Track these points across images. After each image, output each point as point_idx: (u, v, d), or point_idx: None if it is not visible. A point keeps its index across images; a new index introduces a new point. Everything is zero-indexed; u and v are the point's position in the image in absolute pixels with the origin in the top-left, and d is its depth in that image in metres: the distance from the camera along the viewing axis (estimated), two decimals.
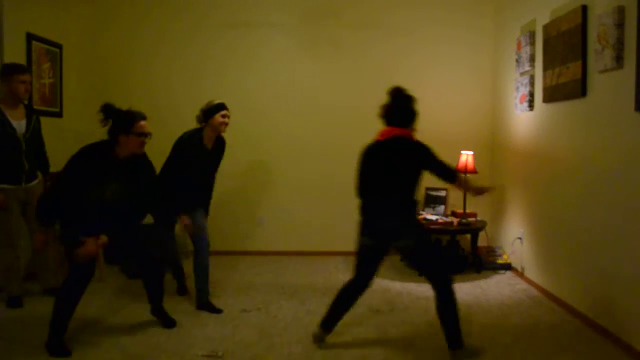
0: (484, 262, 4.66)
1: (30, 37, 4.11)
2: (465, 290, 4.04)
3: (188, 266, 3.93)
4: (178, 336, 3.07)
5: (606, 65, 3.01)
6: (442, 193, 4.99)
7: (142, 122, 2.89)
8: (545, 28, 3.82)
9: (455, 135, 5.07)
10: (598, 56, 3.10)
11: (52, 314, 2.86)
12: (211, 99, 3.55)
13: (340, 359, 2.80)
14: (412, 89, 5.05)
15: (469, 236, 4.77)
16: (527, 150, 4.23)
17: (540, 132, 4.01)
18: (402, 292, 3.99)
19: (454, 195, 5.00)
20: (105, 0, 5.10)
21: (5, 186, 3.42)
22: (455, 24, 5.12)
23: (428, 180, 5.04)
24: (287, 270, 4.64)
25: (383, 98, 4.87)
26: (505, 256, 4.65)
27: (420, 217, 4.75)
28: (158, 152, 3.41)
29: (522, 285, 4.16)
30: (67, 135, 4.54)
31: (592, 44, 3.21)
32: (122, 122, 2.84)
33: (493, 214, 5.02)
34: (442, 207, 4.95)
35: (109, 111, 2.85)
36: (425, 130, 5.11)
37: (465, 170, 4.63)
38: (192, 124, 3.57)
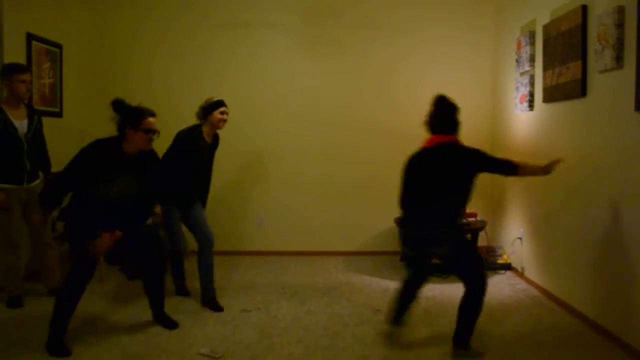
0: (484, 262, 4.66)
1: (30, 37, 4.11)
2: None
3: (189, 266, 3.94)
4: (178, 336, 3.07)
5: (606, 65, 3.01)
6: None
7: (151, 119, 2.90)
8: (545, 28, 3.82)
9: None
10: (598, 56, 3.10)
11: (52, 313, 2.86)
12: (210, 96, 3.62)
13: (340, 359, 2.80)
14: (412, 89, 5.15)
15: (469, 236, 4.77)
16: (527, 150, 4.23)
17: (540, 132, 4.01)
18: None
19: None
20: (105, 0, 5.11)
21: (7, 186, 3.42)
22: (455, 24, 5.12)
23: None
24: (287, 270, 4.64)
25: (383, 98, 4.95)
26: (505, 256, 4.65)
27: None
28: (158, 151, 3.40)
29: (522, 285, 4.16)
30: (67, 135, 4.54)
31: (592, 44, 3.21)
32: (131, 117, 2.86)
33: (493, 214, 5.02)
34: None
35: (118, 106, 2.88)
36: (426, 130, 5.16)
37: None
38: (192, 124, 3.60)
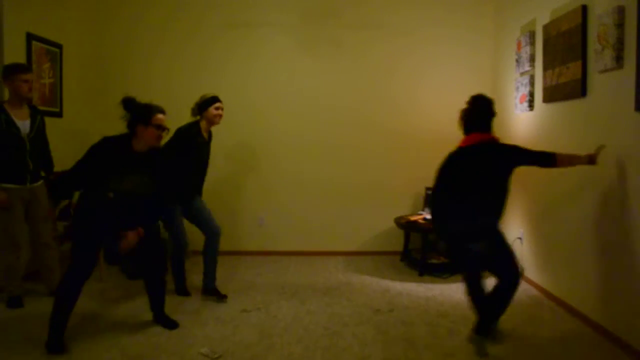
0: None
1: (30, 37, 4.11)
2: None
3: (189, 266, 3.94)
4: (178, 336, 3.07)
5: (606, 65, 3.01)
6: None
7: (161, 115, 2.96)
8: (545, 28, 3.82)
9: (455, 135, 5.00)
10: (598, 56, 3.10)
11: (51, 312, 2.87)
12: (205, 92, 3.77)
13: (340, 359, 2.80)
14: (412, 89, 5.15)
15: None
16: None
17: (540, 132, 4.01)
18: (402, 292, 4.00)
19: None
20: (105, 0, 5.11)
21: (10, 186, 3.42)
22: (455, 24, 5.12)
23: (428, 180, 5.09)
24: (288, 270, 4.64)
25: (383, 98, 4.92)
26: None
27: (420, 217, 4.76)
28: None
29: (521, 285, 4.15)
30: (67, 135, 4.55)
31: (592, 44, 3.21)
32: (142, 114, 2.91)
33: None
34: None
35: (129, 104, 2.93)
36: (426, 130, 5.18)
37: None
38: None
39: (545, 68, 3.84)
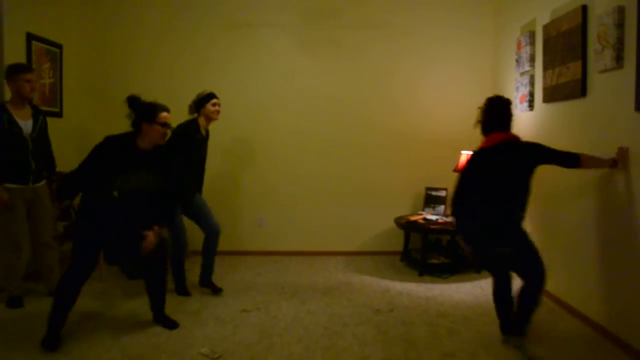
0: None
1: (30, 37, 4.11)
2: (465, 290, 4.05)
3: (189, 266, 3.94)
4: (178, 336, 3.07)
5: (606, 65, 3.01)
6: (442, 193, 4.99)
7: (165, 114, 3.00)
8: (545, 28, 3.82)
9: (455, 135, 5.07)
10: (598, 56, 3.10)
11: (50, 311, 2.89)
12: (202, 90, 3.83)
13: (340, 359, 2.80)
14: (412, 89, 5.14)
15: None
16: None
17: (540, 132, 4.01)
18: (402, 292, 4.00)
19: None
20: (106, 0, 5.11)
21: (13, 186, 3.43)
22: (455, 24, 5.12)
23: (428, 180, 5.09)
24: (288, 270, 4.64)
25: (383, 98, 4.91)
26: None
27: (420, 216, 4.76)
28: None
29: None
30: (67, 135, 4.55)
31: (592, 44, 3.21)
32: (146, 111, 2.94)
33: None
34: (442, 207, 4.95)
35: (133, 102, 2.96)
36: (426, 130, 5.18)
37: None
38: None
39: (545, 68, 3.84)
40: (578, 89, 3.35)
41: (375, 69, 5.14)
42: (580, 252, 3.39)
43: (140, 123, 2.94)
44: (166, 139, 3.09)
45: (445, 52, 5.14)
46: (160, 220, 3.06)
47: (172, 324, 3.20)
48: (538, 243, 4.03)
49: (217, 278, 4.19)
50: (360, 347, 2.95)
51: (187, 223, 3.81)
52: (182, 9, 5.11)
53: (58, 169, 3.82)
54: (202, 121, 3.75)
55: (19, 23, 4.00)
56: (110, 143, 2.91)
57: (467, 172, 3.00)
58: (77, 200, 3.25)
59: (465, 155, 4.71)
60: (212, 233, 3.79)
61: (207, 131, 3.89)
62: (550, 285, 3.81)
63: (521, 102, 4.27)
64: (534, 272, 2.81)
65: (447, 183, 5.00)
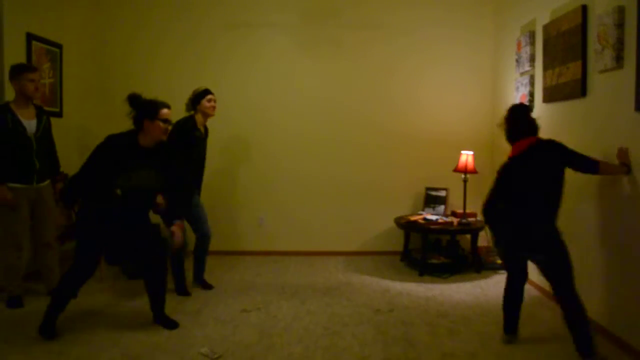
0: (484, 262, 4.66)
1: (30, 37, 4.11)
2: (465, 290, 4.05)
3: (189, 266, 3.94)
4: (178, 336, 3.07)
5: (606, 65, 3.01)
6: (442, 193, 4.99)
7: (166, 110, 3.03)
8: (545, 28, 3.82)
9: (455, 135, 5.07)
10: (598, 56, 3.10)
11: (48, 305, 2.95)
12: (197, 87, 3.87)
13: (340, 359, 2.80)
14: (412, 89, 5.15)
15: (469, 236, 4.78)
16: None
17: (540, 133, 4.00)
18: (402, 292, 4.00)
19: (454, 195, 5.01)
20: (106, 0, 5.11)
21: (17, 185, 3.42)
22: (455, 24, 5.12)
23: (428, 180, 5.09)
24: (287, 270, 4.64)
25: (383, 98, 4.91)
26: None
27: (420, 216, 4.76)
28: None
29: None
30: (67, 135, 4.54)
31: (592, 44, 3.21)
32: (148, 109, 2.96)
33: None
34: (442, 207, 4.95)
35: (134, 100, 2.98)
36: (425, 131, 5.18)
37: (465, 170, 4.63)
38: None
39: (545, 68, 3.84)
40: (578, 89, 3.35)
41: (375, 69, 5.14)
42: (580, 252, 3.38)
43: (142, 120, 2.96)
44: (167, 134, 3.11)
45: (445, 52, 5.14)
46: (179, 214, 3.11)
47: (172, 324, 3.20)
48: None
49: (217, 278, 4.20)
50: (360, 347, 2.95)
51: (187, 223, 3.80)
52: (182, 9, 5.11)
53: (60, 169, 3.82)
54: (199, 118, 3.79)
55: (19, 23, 3.99)
56: (113, 142, 2.93)
57: (499, 183, 2.96)
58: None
59: (465, 155, 4.71)
60: (202, 236, 3.84)
61: (206, 130, 3.90)
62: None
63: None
64: (565, 283, 2.75)
65: (447, 183, 5.01)
